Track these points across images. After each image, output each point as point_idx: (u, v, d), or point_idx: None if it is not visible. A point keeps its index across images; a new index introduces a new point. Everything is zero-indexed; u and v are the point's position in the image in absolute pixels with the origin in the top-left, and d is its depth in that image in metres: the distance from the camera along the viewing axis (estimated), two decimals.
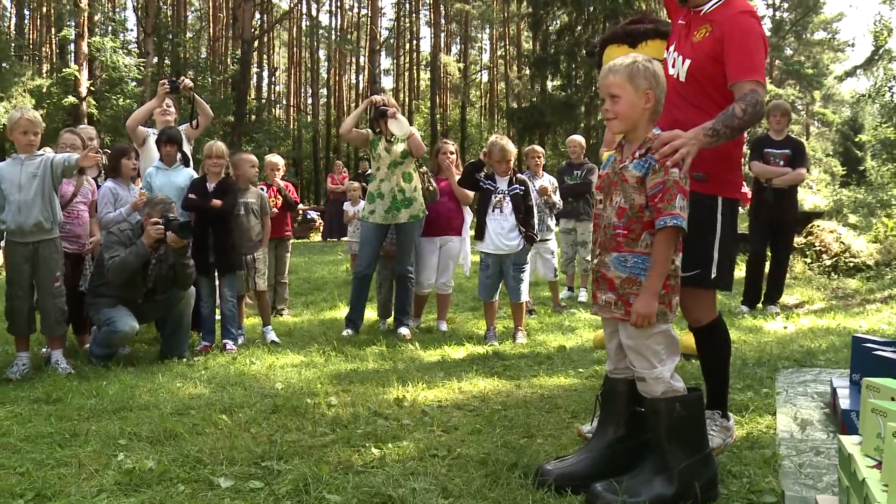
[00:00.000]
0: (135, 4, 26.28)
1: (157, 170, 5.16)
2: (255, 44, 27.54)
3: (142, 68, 21.76)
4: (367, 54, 29.82)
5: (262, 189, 5.84)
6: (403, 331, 5.35)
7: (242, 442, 2.87)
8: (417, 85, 37.60)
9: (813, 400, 3.40)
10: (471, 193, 5.57)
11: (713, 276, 2.66)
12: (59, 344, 4.44)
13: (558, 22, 22.43)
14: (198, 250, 4.83)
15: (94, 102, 21.46)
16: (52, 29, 26.00)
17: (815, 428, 2.99)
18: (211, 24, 33.86)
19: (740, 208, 3.74)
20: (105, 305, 4.49)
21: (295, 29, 35.43)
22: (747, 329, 5.43)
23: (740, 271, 6.91)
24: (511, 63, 33.42)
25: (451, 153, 5.77)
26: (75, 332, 4.96)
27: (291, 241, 6.77)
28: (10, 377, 4.16)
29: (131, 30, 28.69)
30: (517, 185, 5.15)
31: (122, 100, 21.77)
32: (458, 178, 5.45)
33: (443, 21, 33.35)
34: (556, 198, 6.38)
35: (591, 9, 20.68)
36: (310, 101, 36.36)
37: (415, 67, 37.57)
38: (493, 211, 5.12)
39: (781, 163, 6.27)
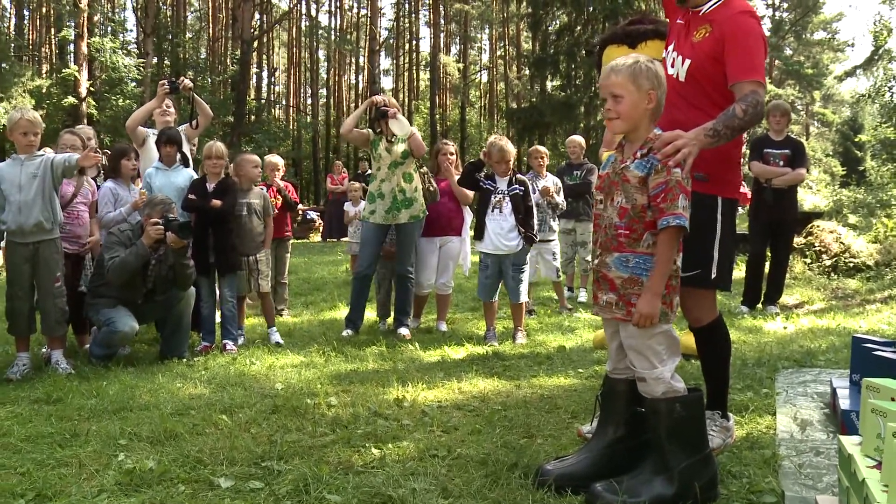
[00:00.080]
0: (134, 5, 26.29)
1: (156, 170, 5.16)
2: (255, 44, 27.55)
3: (141, 69, 21.77)
4: (366, 54, 29.83)
5: (262, 189, 5.84)
6: (403, 331, 5.36)
7: (242, 442, 2.87)
8: (417, 85, 37.60)
9: (813, 400, 3.40)
10: (470, 193, 5.57)
11: (713, 275, 2.67)
12: (60, 344, 4.45)
13: (558, 22, 22.42)
14: (198, 251, 4.83)
15: (93, 103, 21.47)
16: (52, 29, 26.01)
17: (814, 428, 2.99)
18: (210, 25, 33.86)
19: (739, 208, 3.75)
20: (105, 306, 4.50)
21: (294, 29, 35.43)
22: (747, 329, 5.43)
23: (740, 271, 6.91)
24: (510, 63, 33.43)
25: (451, 154, 5.77)
26: (75, 332, 4.96)
27: (291, 241, 6.77)
28: (10, 377, 4.16)
29: (131, 30, 28.77)
30: (517, 186, 5.15)
31: (121, 100, 21.76)
32: (457, 178, 5.46)
33: (442, 21, 33.36)
34: (560, 198, 6.29)
35: (591, 9, 20.65)
36: (309, 101, 36.36)
37: (414, 68, 37.57)
38: (492, 211, 5.12)
39: (781, 163, 6.27)
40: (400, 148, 5.34)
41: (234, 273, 5.06)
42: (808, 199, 16.32)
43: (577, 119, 20.76)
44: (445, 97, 35.29)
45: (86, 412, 3.38)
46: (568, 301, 6.79)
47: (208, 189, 4.96)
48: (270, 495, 2.38)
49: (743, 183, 4.13)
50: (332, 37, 33.35)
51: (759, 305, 6.38)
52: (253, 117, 26.19)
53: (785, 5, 35.22)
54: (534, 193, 5.82)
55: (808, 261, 8.57)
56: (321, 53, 37.18)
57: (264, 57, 34.65)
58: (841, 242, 8.62)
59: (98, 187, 5.08)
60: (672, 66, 2.72)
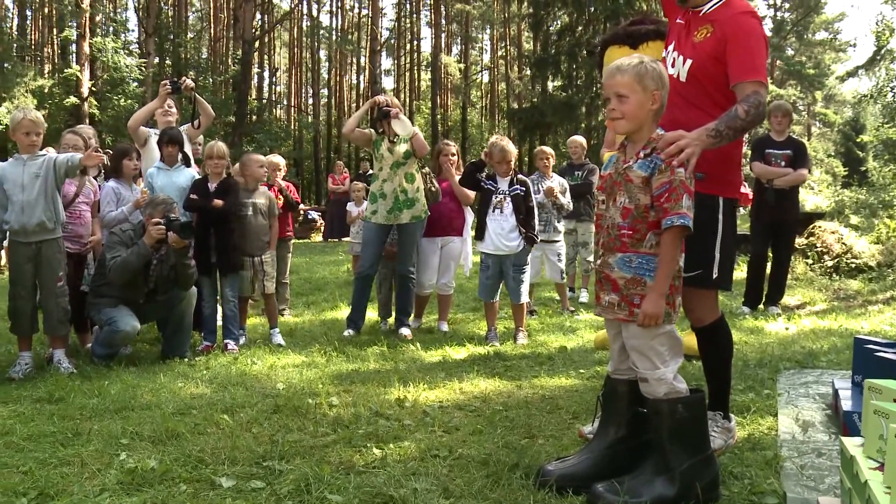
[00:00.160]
0: (136, 5, 26.29)
1: (158, 170, 5.17)
2: (256, 44, 27.56)
3: (143, 69, 21.79)
4: (367, 55, 29.81)
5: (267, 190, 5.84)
6: (405, 331, 5.36)
7: (244, 442, 2.87)
8: (418, 85, 37.60)
9: (815, 401, 3.40)
10: (471, 193, 5.57)
11: (715, 275, 2.67)
12: (62, 344, 4.45)
13: (559, 22, 22.43)
14: (199, 250, 4.83)
15: (95, 103, 21.49)
16: (54, 29, 26.03)
17: (816, 429, 2.99)
18: (212, 25, 33.90)
19: (741, 209, 3.76)
20: (107, 305, 4.50)
21: (296, 29, 35.45)
22: (748, 330, 5.42)
23: (741, 272, 6.91)
24: (512, 63, 33.43)
25: (452, 154, 5.77)
26: (77, 331, 4.96)
27: (293, 241, 6.78)
28: (12, 377, 4.17)
29: (132, 30, 28.78)
30: (518, 186, 5.15)
31: (123, 100, 21.80)
32: (458, 178, 5.45)
33: (443, 21, 33.33)
34: (565, 199, 6.22)
35: (592, 9, 20.67)
36: (310, 101, 36.36)
37: (415, 68, 37.59)
38: (493, 211, 5.12)
39: (783, 163, 6.26)
40: (402, 148, 5.34)
41: (236, 273, 5.06)
42: (809, 199, 16.30)
43: (579, 119, 20.77)
44: (446, 97, 35.29)
45: (88, 411, 3.39)
46: (569, 301, 6.79)
47: (210, 189, 4.96)
48: (272, 495, 2.38)
49: (744, 183, 4.15)
50: (334, 37, 33.41)
51: (761, 306, 6.37)
52: (254, 117, 26.21)
53: (787, 5, 35.22)
54: (537, 194, 5.82)
55: (810, 261, 8.56)
56: (322, 53, 37.23)
57: (266, 57, 34.67)
58: (843, 243, 8.62)
59: (100, 187, 5.09)
60: (673, 66, 2.72)
